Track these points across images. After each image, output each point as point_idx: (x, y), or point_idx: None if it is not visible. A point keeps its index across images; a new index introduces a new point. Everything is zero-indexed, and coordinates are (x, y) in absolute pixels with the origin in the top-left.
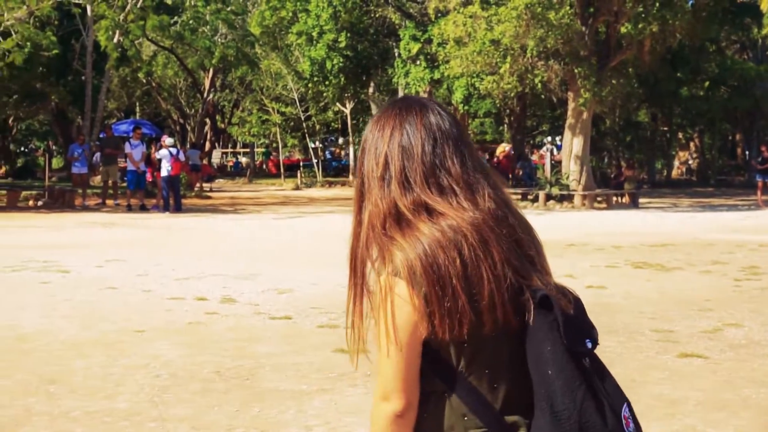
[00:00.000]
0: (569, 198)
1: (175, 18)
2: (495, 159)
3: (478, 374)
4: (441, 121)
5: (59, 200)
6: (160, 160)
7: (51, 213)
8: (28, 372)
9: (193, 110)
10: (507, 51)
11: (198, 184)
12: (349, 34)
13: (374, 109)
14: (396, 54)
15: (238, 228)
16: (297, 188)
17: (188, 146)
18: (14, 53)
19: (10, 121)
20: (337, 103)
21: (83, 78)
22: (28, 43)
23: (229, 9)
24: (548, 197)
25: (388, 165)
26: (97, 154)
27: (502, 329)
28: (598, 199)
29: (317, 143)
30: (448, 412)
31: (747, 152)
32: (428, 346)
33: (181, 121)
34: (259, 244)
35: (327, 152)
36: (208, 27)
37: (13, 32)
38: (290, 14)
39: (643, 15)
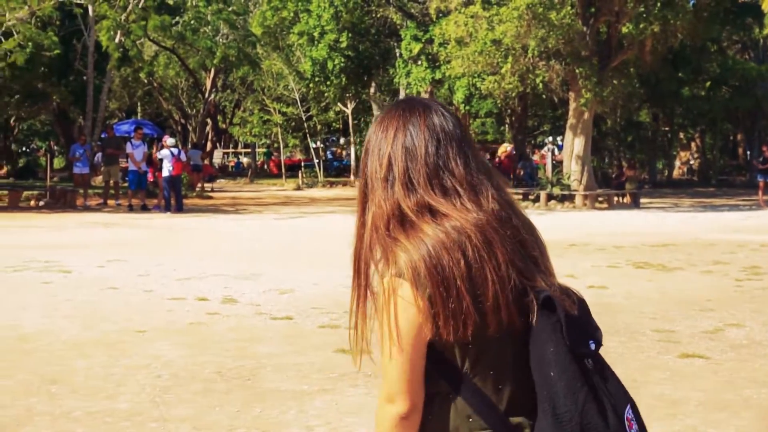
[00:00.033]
0: (570, 198)
1: (177, 18)
2: (497, 159)
3: (483, 375)
4: (444, 122)
5: (61, 200)
6: (161, 160)
7: (52, 213)
8: (30, 372)
9: (194, 110)
10: (508, 51)
11: (199, 185)
12: (350, 34)
13: (375, 110)
14: (397, 54)
15: (240, 228)
16: (298, 188)
17: (190, 146)
18: (16, 53)
19: (11, 121)
20: (339, 104)
21: (85, 78)
22: (30, 44)
23: (230, 9)
24: (549, 197)
25: (392, 166)
26: (99, 155)
27: (507, 330)
28: (600, 199)
29: (318, 143)
30: (453, 414)
31: (748, 152)
32: (433, 348)
33: (183, 121)
34: (260, 244)
35: (328, 152)
36: (209, 27)
37: (14, 32)
38: (291, 14)
39: (644, 15)
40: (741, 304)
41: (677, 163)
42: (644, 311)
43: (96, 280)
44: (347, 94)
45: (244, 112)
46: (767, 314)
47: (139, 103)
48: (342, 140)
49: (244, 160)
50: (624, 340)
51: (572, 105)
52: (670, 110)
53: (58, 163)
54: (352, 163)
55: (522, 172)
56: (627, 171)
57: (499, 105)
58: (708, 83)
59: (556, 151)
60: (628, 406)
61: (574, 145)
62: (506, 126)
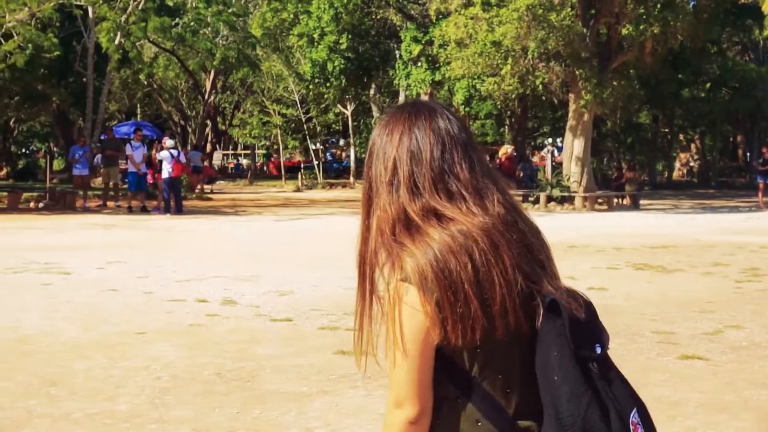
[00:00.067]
0: (570, 200)
1: (177, 20)
2: (497, 161)
3: (491, 379)
4: (450, 125)
5: (60, 202)
6: (161, 162)
7: (52, 215)
8: (29, 374)
9: (194, 112)
10: (508, 52)
11: (199, 186)
12: (350, 36)
13: (375, 111)
14: (397, 55)
15: (239, 230)
16: (298, 190)
17: (189, 148)
18: (16, 55)
19: (11, 122)
20: (338, 105)
21: (84, 80)
22: (30, 45)
23: (230, 11)
24: (549, 199)
25: (397, 170)
26: (98, 156)
27: (514, 334)
28: (599, 200)
29: (318, 145)
30: (462, 418)
31: (748, 154)
32: (441, 352)
33: (182, 122)
34: (259, 245)
35: (328, 154)
36: (209, 29)
37: (14, 34)
38: (291, 16)
39: (644, 16)
40: (741, 305)
41: (677, 164)
42: (644, 313)
43: (96, 282)
44: (347, 96)
45: (244, 114)
46: (767, 316)
47: (138, 105)
48: (342, 142)
49: (244, 161)
50: (624, 342)
51: (572, 106)
52: (670, 112)
53: (58, 164)
54: (352, 164)
55: (522, 174)
56: (627, 172)
57: (499, 106)
58: (708, 85)
59: (556, 153)
60: (634, 410)
61: (573, 147)
62: (506, 127)
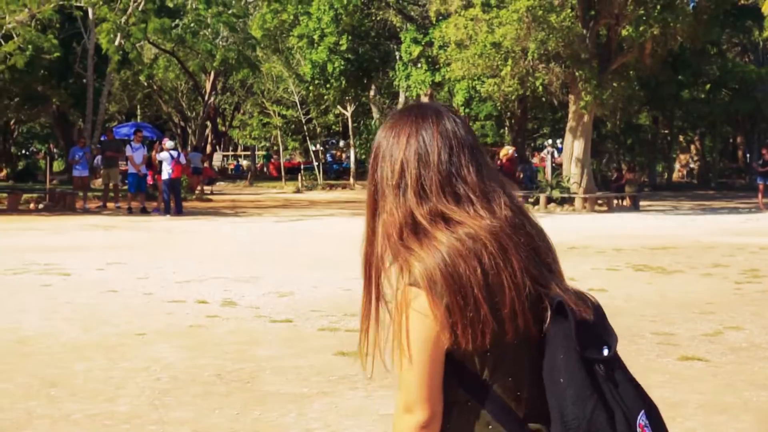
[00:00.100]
0: (570, 201)
1: (177, 21)
2: (498, 162)
3: (502, 383)
4: (457, 128)
5: (60, 203)
6: (160, 163)
7: (52, 216)
8: (29, 375)
9: (194, 113)
10: (508, 54)
11: (199, 187)
12: (350, 37)
13: (375, 112)
14: (397, 57)
15: (239, 231)
16: (298, 191)
17: (189, 149)
18: (16, 56)
19: (11, 123)
20: (338, 106)
21: (84, 81)
22: (30, 46)
23: (230, 12)
24: (549, 200)
25: (404, 173)
26: (98, 157)
27: (523, 337)
28: (599, 202)
29: (318, 146)
30: (473, 422)
31: (748, 155)
32: (451, 356)
33: (182, 124)
34: (259, 247)
35: (328, 155)
36: (209, 30)
37: (14, 35)
38: (291, 17)
39: (644, 18)
40: (740, 307)
41: (677, 165)
42: (644, 314)
43: (95, 283)
44: (347, 97)
45: (244, 115)
46: (767, 317)
47: (138, 106)
48: (341, 143)
49: (244, 162)
50: (623, 343)
51: (572, 108)
52: (670, 113)
53: (58, 165)
54: (352, 166)
55: (521, 175)
56: (626, 174)
57: (499, 108)
58: (708, 86)
59: (556, 154)
60: (642, 412)
61: (573, 148)
62: (506, 129)
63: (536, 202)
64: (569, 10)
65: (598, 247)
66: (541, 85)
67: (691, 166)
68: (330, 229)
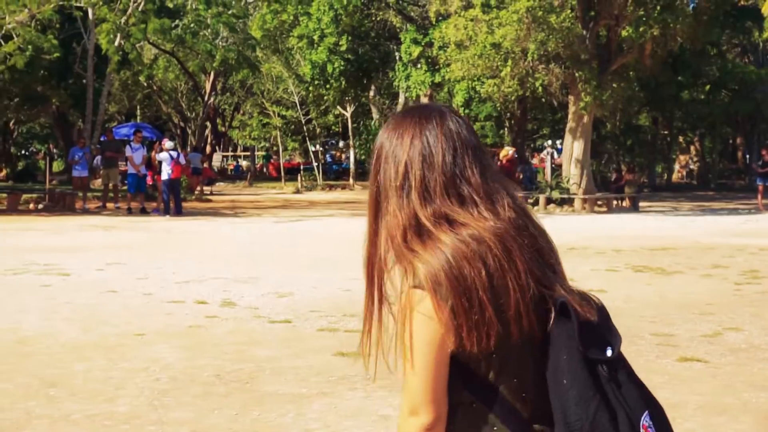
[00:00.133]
0: (570, 202)
1: (177, 21)
2: (498, 163)
3: (507, 384)
4: (460, 129)
5: (60, 203)
6: (160, 163)
7: (51, 216)
8: (29, 375)
9: (193, 113)
10: (508, 54)
11: (198, 188)
12: (350, 38)
13: (375, 113)
14: (397, 57)
15: (239, 231)
16: (297, 192)
17: (189, 149)
18: (16, 56)
19: (11, 124)
20: (338, 107)
21: (84, 81)
22: (30, 47)
23: (230, 12)
24: (549, 201)
25: (408, 174)
26: (98, 158)
27: (527, 338)
28: (599, 202)
29: (318, 146)
30: (477, 424)
31: (747, 156)
32: (455, 358)
33: (182, 124)
34: (259, 247)
35: (327, 155)
36: (209, 30)
37: (14, 35)
38: (291, 17)
39: (644, 18)
40: (740, 307)
41: (676, 166)
42: (643, 315)
43: (95, 283)
44: (347, 98)
45: (244, 116)
46: (766, 318)
47: (138, 106)
48: (341, 143)
49: (244, 163)
50: (623, 344)
51: (572, 108)
52: (670, 114)
53: (58, 166)
54: (352, 166)
55: (521, 176)
56: (626, 175)
57: (499, 108)
58: (707, 87)
59: (556, 155)
60: (646, 413)
61: (573, 149)
62: (505, 129)
63: (536, 203)
64: (569, 11)
65: (598, 248)
66: (540, 86)
67: (691, 167)
68: (329, 229)
